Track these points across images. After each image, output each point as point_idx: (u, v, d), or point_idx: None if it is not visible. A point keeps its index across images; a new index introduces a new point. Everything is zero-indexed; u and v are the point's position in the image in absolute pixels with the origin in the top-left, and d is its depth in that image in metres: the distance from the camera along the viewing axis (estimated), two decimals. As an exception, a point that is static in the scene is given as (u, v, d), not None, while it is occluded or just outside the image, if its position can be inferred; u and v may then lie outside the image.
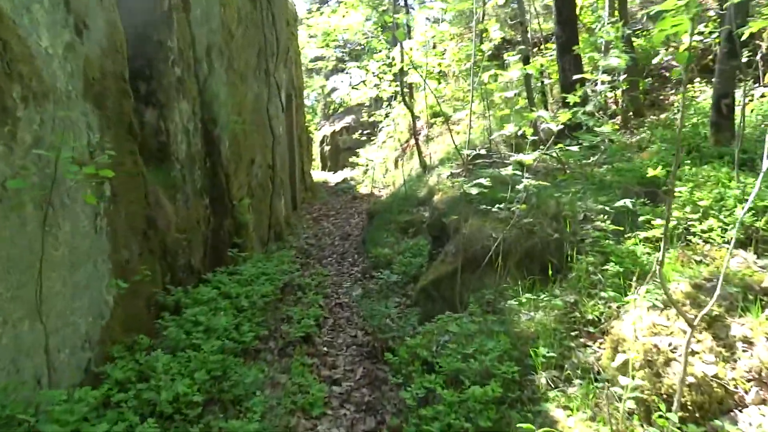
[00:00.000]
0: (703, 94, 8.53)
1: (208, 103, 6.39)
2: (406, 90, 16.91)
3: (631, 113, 9.36)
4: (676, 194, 4.71)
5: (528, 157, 5.23)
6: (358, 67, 15.62)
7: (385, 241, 8.00)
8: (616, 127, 8.57)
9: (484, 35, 14.76)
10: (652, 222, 4.50)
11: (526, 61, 8.65)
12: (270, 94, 9.99)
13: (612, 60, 6.95)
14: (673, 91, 9.81)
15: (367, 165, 19.30)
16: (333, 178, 22.88)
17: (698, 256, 4.10)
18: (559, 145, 6.93)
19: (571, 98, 7.20)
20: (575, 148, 6.53)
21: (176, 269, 5.23)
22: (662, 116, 8.78)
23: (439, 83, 14.88)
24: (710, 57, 9.90)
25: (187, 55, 5.82)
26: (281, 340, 5.18)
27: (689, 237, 4.38)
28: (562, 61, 9.32)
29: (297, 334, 5.21)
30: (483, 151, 9.19)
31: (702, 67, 9.81)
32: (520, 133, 7.06)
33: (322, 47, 21.16)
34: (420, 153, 10.83)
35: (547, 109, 9.71)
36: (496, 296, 4.68)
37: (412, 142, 15.82)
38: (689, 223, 4.44)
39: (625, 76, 9.19)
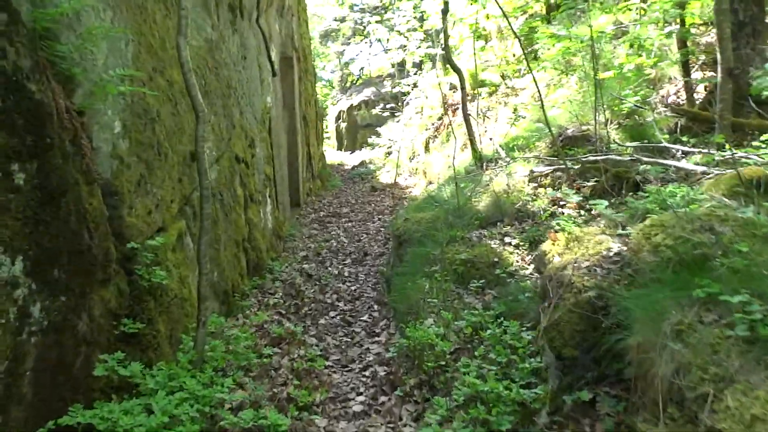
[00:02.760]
0: None
1: (25, 33, 2.60)
2: (438, 52, 12.90)
3: None
4: None
5: None
6: (379, 22, 11.84)
7: (428, 302, 4.20)
8: None
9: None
10: None
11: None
12: (241, 46, 6.15)
13: None
14: None
15: (389, 147, 15.40)
16: (349, 159, 19.09)
17: None
18: None
19: None
20: None
21: None
22: None
23: (487, 42, 10.87)
24: None
25: None
26: None
27: None
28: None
29: None
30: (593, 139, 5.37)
31: None
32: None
33: (338, 5, 17.08)
34: (472, 137, 6.94)
35: (689, 74, 5.75)
36: None
37: (448, 119, 11.90)
38: None
39: None
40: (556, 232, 3.41)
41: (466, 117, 6.92)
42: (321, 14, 20.58)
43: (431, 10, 9.59)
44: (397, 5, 13.79)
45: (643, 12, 7.86)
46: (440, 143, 11.68)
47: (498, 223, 5.32)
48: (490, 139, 6.96)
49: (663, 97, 6.18)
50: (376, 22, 12.25)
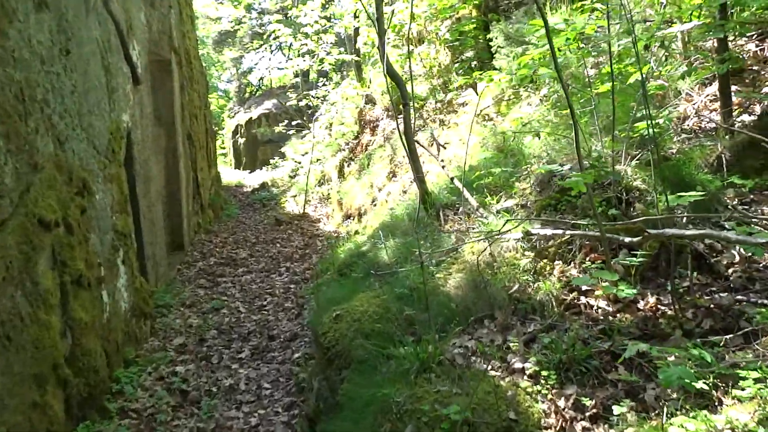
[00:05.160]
0: None
1: None
2: (354, 58, 10.81)
3: None
4: None
5: None
6: (281, 21, 9.60)
7: None
8: None
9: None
10: None
11: None
12: (60, 33, 3.68)
13: None
14: None
15: (295, 168, 13.09)
16: (249, 179, 16.49)
17: None
18: None
19: None
20: None
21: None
22: None
23: (416, 47, 8.93)
24: None
25: None
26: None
27: None
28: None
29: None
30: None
31: None
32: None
33: (233, 6, 14.44)
34: (419, 172, 4.84)
35: (728, 88, 4.03)
36: None
37: (366, 139, 9.84)
38: None
39: None
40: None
41: (410, 142, 4.83)
42: (214, 16, 17.81)
43: (347, 5, 7.53)
44: (300, 8, 11.53)
45: (598, 14, 6.22)
46: (358, 168, 9.59)
47: (486, 322, 3.28)
48: (448, 175, 4.87)
49: (678, 120, 4.47)
50: (278, 21, 10.03)
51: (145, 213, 6.05)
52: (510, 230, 3.32)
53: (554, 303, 3.22)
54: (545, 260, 3.48)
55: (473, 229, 3.99)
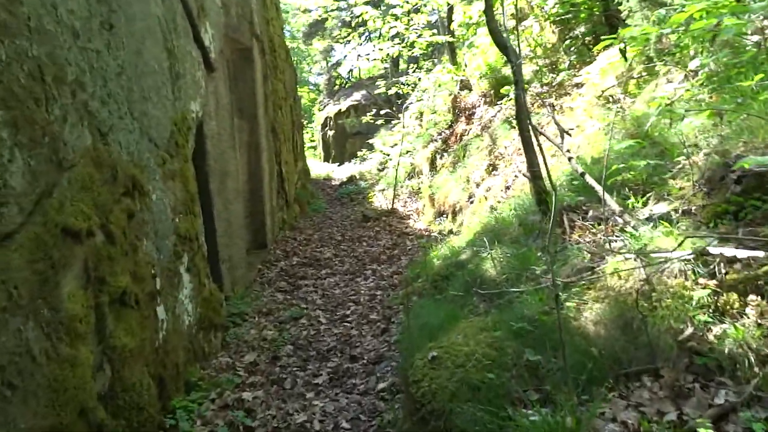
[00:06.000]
0: None
1: None
2: (448, 39, 9.84)
3: None
4: None
5: None
6: (369, 2, 8.86)
7: None
8: None
9: None
10: None
11: None
12: (101, 3, 3.04)
13: None
14: None
15: (384, 160, 12.34)
16: (337, 172, 16.00)
17: None
18: None
19: None
20: None
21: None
22: None
23: (520, 22, 7.84)
24: None
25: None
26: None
27: None
28: None
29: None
30: None
31: None
32: None
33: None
34: (535, 165, 3.84)
35: None
36: None
37: (461, 128, 8.87)
38: None
39: None
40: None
41: (524, 127, 3.83)
42: (303, 7, 17.38)
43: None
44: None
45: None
46: (452, 160, 8.64)
47: (646, 380, 2.28)
48: (576, 170, 3.80)
49: None
50: (365, 2, 9.30)
51: (220, 212, 5.49)
52: (689, 251, 2.28)
53: (753, 359, 2.17)
54: (731, 293, 2.41)
55: (614, 241, 2.96)
